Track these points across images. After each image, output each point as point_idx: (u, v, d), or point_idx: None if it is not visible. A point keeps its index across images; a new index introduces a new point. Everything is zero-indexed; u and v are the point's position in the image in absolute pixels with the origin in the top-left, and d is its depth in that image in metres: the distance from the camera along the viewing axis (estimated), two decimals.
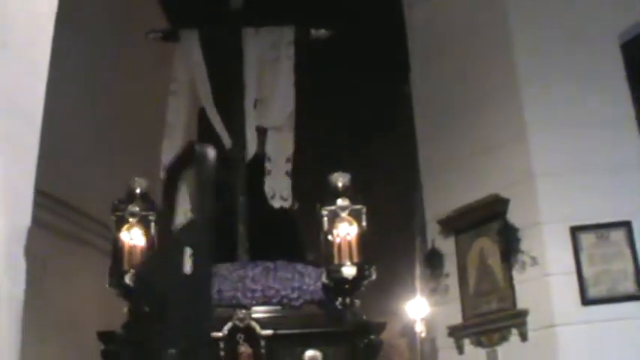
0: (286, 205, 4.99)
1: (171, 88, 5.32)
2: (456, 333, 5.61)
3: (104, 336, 4.20)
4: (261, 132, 5.28)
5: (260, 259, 4.75)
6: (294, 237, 5.20)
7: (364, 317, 4.45)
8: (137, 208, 4.40)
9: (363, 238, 4.47)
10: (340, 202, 4.47)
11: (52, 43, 1.90)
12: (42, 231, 5.31)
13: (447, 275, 5.78)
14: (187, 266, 1.63)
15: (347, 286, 4.37)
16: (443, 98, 6.14)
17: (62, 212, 5.76)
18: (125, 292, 4.29)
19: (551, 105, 5.36)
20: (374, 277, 4.37)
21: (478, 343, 5.45)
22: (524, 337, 5.06)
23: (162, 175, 5.13)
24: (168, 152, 5.12)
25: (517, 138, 5.40)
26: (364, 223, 4.46)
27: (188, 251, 1.64)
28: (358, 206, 4.48)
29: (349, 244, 4.48)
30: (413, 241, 8.58)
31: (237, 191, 5.09)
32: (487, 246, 5.51)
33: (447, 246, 5.87)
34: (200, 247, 1.62)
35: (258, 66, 5.33)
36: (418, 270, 9.32)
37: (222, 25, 5.49)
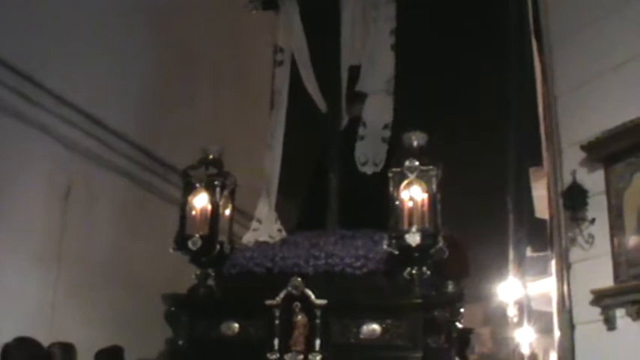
0: (377, 169, 4.49)
1: (277, 58, 5.06)
2: (604, 300, 4.23)
3: (169, 298, 3.99)
4: (361, 97, 4.83)
5: (352, 227, 4.30)
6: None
7: (433, 291, 3.89)
8: (204, 173, 4.12)
9: (434, 203, 3.81)
10: (408, 163, 3.92)
11: None
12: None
13: (593, 221, 4.36)
14: None
15: (417, 255, 3.84)
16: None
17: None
18: (192, 256, 4.06)
19: None
20: (440, 244, 3.78)
21: (638, 316, 4.09)
22: None
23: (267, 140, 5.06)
24: (276, 119, 4.96)
25: None
26: (434, 187, 3.85)
27: None
28: (428, 167, 3.86)
29: (421, 209, 3.93)
30: (505, 204, 7.37)
31: (331, 158, 4.72)
32: None
33: (592, 181, 4.42)
34: None
35: (355, 29, 4.90)
36: (512, 243, 8.03)
37: None
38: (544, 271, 10.35)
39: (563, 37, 4.95)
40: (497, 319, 12.17)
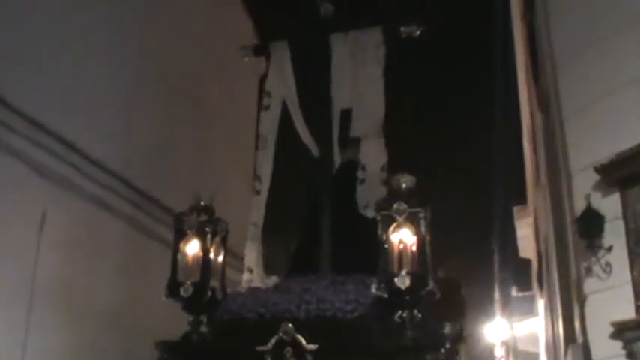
0: None
1: (264, 102, 5.12)
2: (626, 334, 3.87)
3: (161, 344, 3.94)
4: (354, 141, 4.92)
5: (345, 272, 4.27)
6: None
7: (425, 333, 3.87)
8: (195, 220, 4.12)
9: (424, 245, 3.86)
10: (396, 206, 3.96)
11: None
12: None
13: (610, 248, 4.06)
14: None
15: (407, 298, 3.85)
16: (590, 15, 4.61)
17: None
18: (184, 303, 4.01)
19: None
20: (430, 287, 3.79)
21: None
22: None
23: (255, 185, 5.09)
24: (263, 163, 5.03)
25: None
26: (423, 229, 3.87)
27: None
28: (417, 210, 3.87)
29: (410, 251, 3.95)
30: (489, 244, 7.42)
31: (323, 202, 4.74)
32: None
33: (607, 206, 4.11)
34: None
35: (346, 73, 4.98)
36: (497, 283, 8.05)
37: (311, 33, 5.22)
38: (530, 311, 10.35)
39: (569, 57, 4.72)
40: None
